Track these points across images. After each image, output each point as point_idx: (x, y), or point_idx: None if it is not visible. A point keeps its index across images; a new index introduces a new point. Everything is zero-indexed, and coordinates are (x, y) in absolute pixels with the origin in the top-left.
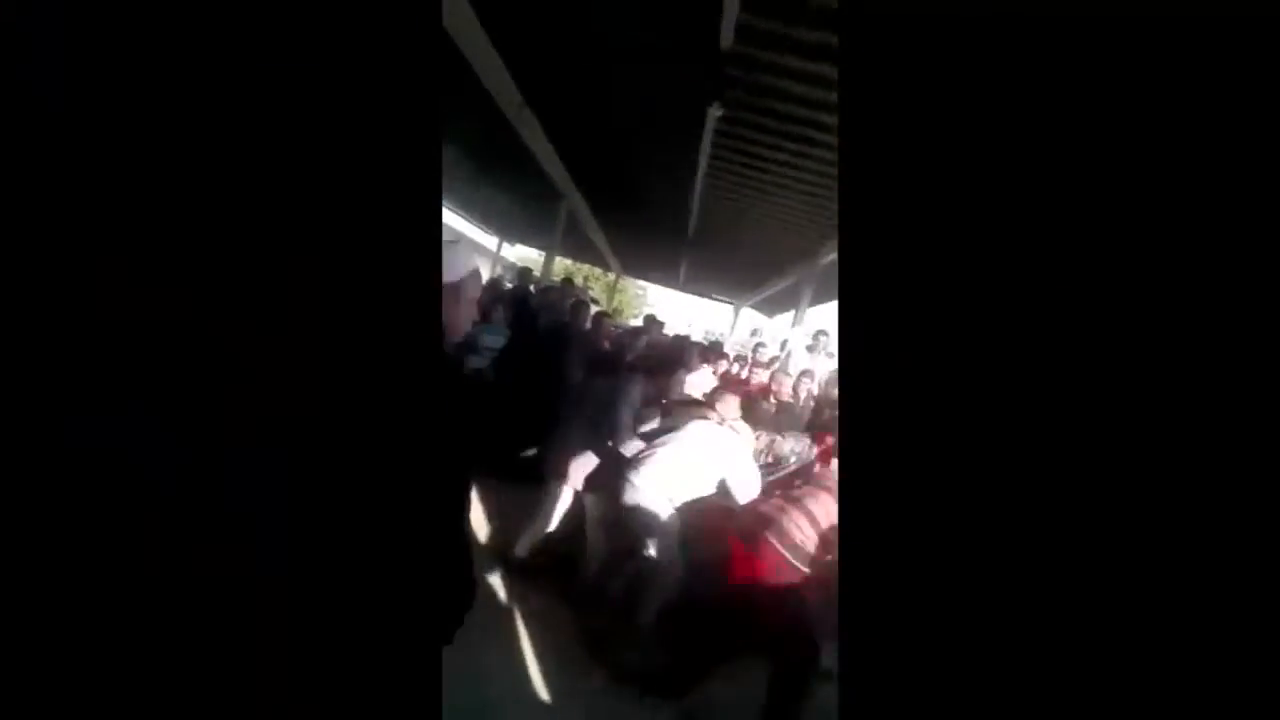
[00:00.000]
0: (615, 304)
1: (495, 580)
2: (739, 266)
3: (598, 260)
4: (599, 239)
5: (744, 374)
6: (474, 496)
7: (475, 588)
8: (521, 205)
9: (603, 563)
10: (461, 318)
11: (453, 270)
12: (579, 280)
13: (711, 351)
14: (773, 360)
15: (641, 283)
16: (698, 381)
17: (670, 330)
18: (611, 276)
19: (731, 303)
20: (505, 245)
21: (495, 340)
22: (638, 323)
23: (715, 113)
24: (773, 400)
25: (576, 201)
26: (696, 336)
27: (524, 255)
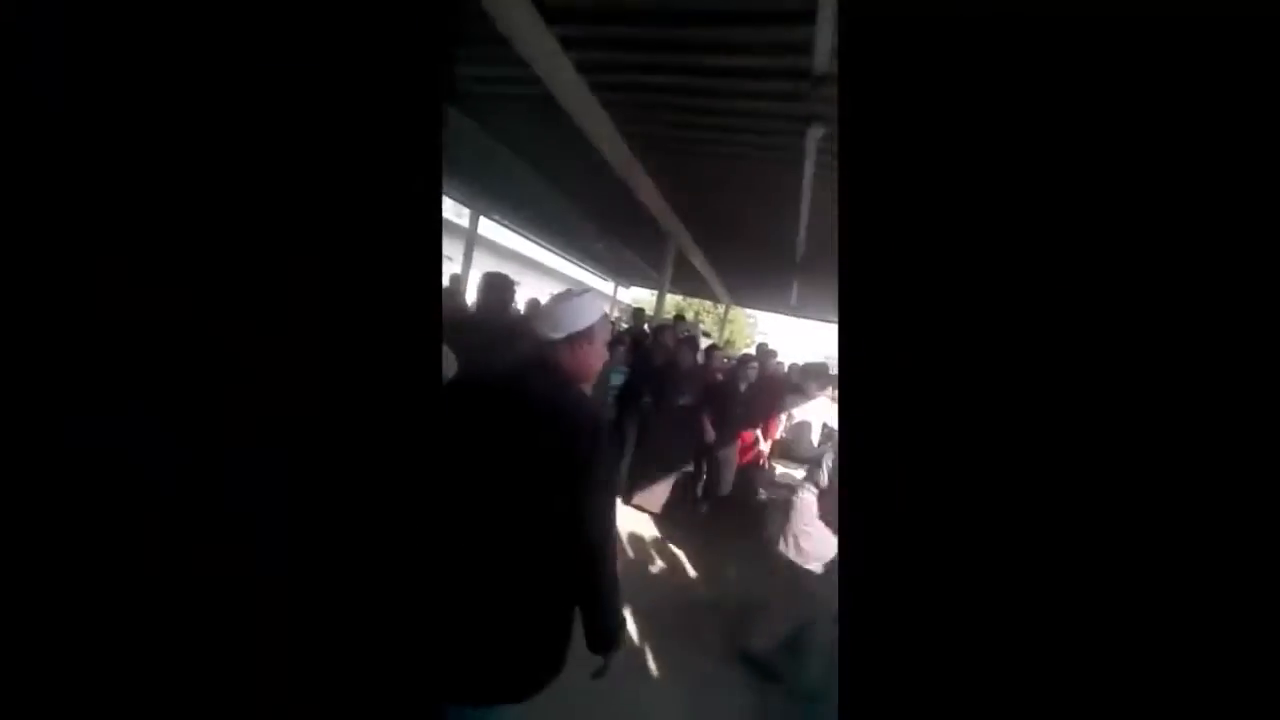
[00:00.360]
0: (727, 335)
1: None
2: None
3: (708, 294)
4: (708, 272)
5: None
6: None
7: (565, 654)
8: (634, 248)
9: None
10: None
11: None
12: (690, 315)
13: (818, 374)
14: None
15: (752, 312)
16: (813, 408)
17: (786, 356)
18: (722, 309)
19: None
20: (620, 288)
21: (619, 379)
22: (750, 351)
23: (816, 134)
24: None
25: (684, 239)
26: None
27: (638, 296)
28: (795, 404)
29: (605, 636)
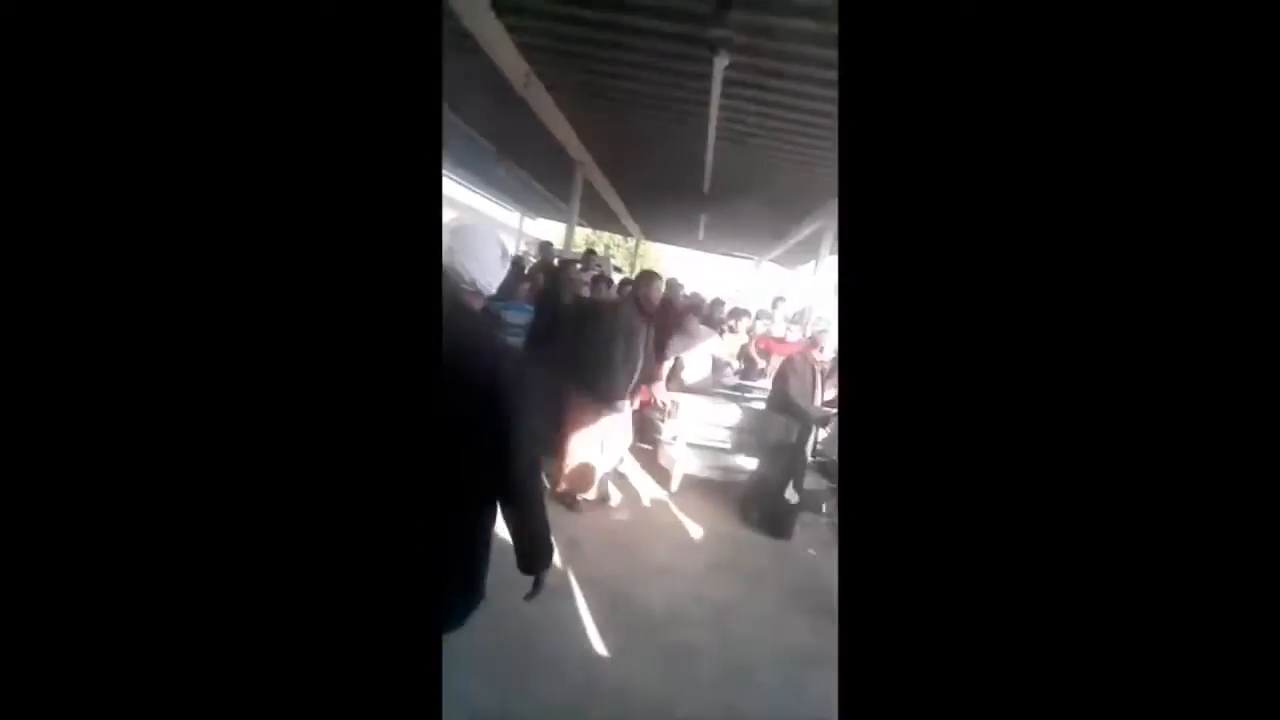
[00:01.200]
0: (637, 270)
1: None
2: (756, 219)
3: (619, 228)
4: (617, 205)
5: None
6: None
7: (483, 588)
8: (539, 178)
9: None
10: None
11: (478, 252)
12: (600, 249)
13: (715, 313)
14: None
15: (663, 247)
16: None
17: (691, 293)
18: (633, 243)
19: (752, 258)
20: (526, 219)
21: (518, 317)
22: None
23: (722, 62)
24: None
25: (591, 169)
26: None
27: (546, 229)
28: (685, 346)
29: (533, 558)
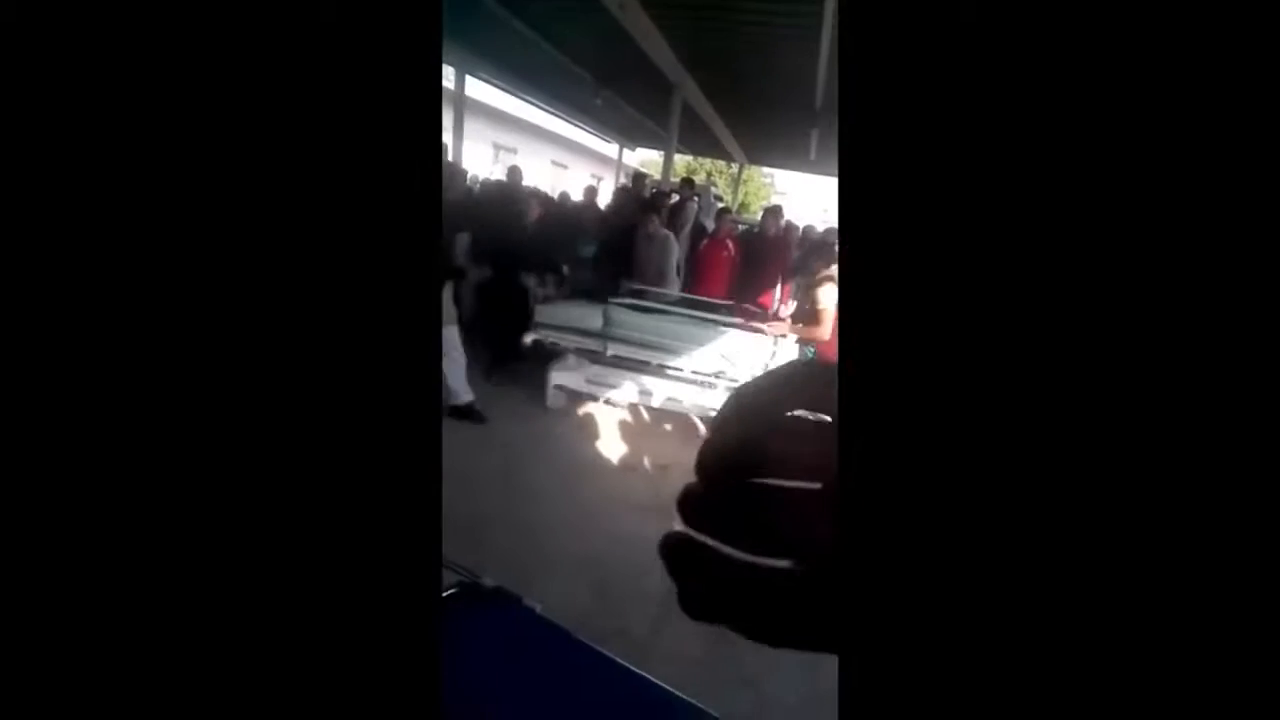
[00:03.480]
0: (741, 197)
1: None
2: None
3: (721, 153)
4: (719, 128)
5: None
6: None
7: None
8: (638, 105)
9: None
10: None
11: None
12: (701, 178)
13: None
14: None
15: (770, 171)
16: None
17: (804, 219)
18: (736, 168)
19: None
20: (626, 151)
21: (588, 250)
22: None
23: None
24: None
25: (691, 91)
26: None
27: (647, 158)
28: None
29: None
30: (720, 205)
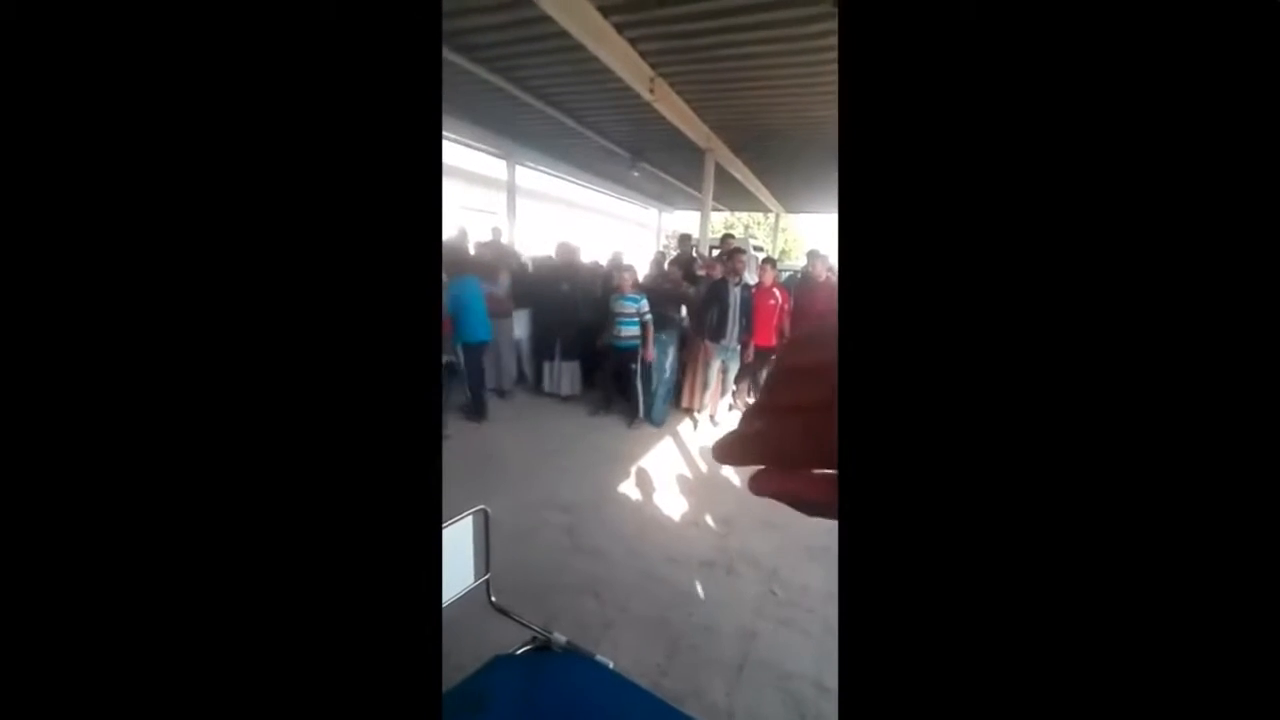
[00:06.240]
0: (781, 245)
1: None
2: None
3: (756, 205)
4: (751, 182)
5: None
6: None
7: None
8: (672, 172)
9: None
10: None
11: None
12: (739, 231)
13: None
14: None
15: (808, 217)
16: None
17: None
18: (773, 218)
19: None
20: (664, 214)
21: (628, 306)
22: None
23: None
24: None
25: (721, 151)
26: None
27: (685, 219)
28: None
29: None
30: (762, 255)
